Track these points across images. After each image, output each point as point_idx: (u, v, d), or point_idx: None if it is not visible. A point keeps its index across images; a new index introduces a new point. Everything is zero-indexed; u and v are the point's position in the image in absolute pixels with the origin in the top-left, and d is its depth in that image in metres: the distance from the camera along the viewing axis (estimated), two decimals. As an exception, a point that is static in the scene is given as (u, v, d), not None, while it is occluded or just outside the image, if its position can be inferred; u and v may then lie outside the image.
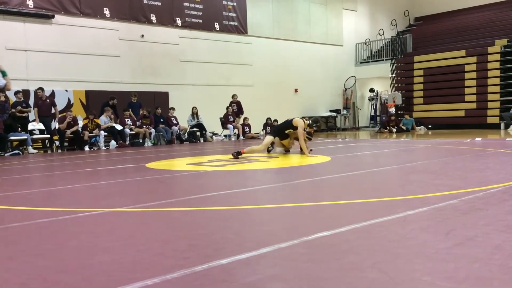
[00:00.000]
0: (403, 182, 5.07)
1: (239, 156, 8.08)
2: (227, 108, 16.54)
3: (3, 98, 11.95)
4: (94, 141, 13.19)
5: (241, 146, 12.24)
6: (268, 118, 17.37)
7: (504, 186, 4.23)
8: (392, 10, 25.58)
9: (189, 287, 1.96)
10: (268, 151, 9.01)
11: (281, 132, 8.64)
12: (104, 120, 13.36)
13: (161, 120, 14.68)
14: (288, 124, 8.63)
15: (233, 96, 16.84)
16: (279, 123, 9.34)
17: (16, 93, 12.43)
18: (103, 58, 14.99)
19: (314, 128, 8.80)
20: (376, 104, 23.50)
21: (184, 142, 14.83)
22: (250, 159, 7.95)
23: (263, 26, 19.53)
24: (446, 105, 19.42)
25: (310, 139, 8.91)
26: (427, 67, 20.35)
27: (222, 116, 16.57)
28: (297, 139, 8.56)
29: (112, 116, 13.61)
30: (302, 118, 8.93)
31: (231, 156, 8.28)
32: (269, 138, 8.65)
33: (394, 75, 21.76)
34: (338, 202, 3.84)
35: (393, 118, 18.78)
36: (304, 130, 8.49)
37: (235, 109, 16.74)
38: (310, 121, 8.78)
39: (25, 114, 12.41)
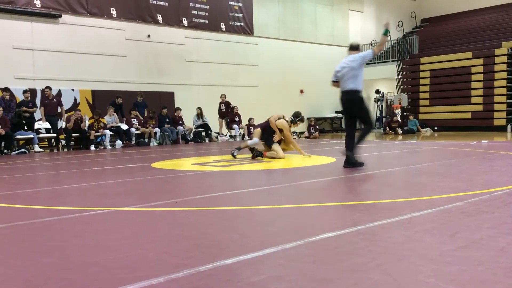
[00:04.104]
0: (408, 184, 5.05)
1: (258, 158, 8.09)
2: (233, 108, 16.54)
3: (8, 97, 12.03)
4: (100, 140, 13.25)
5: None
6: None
7: (509, 189, 4.21)
8: (399, 11, 25.50)
9: (193, 287, 1.97)
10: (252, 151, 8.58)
11: (271, 137, 8.42)
12: (108, 119, 13.42)
13: (167, 120, 14.72)
14: (270, 128, 8.34)
15: (221, 96, 16.51)
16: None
17: (24, 92, 12.51)
18: (110, 58, 15.05)
19: (298, 123, 8.54)
20: (382, 106, 23.44)
21: (189, 142, 14.86)
22: (255, 160, 7.96)
23: (269, 27, 19.53)
24: (452, 107, 19.35)
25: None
26: (434, 69, 20.28)
27: (227, 116, 16.58)
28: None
29: (115, 115, 13.67)
30: (283, 117, 8.49)
31: (240, 156, 8.40)
32: (278, 146, 8.35)
33: (400, 76, 21.69)
34: (342, 203, 3.83)
35: (395, 119, 18.74)
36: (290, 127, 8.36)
37: (223, 109, 16.43)
38: (292, 118, 8.45)
39: (27, 114, 12.46)
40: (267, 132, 8.39)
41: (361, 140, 6.33)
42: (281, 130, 8.27)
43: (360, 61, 6.26)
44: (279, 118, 8.39)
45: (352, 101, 6.28)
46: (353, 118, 6.45)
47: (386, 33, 6.41)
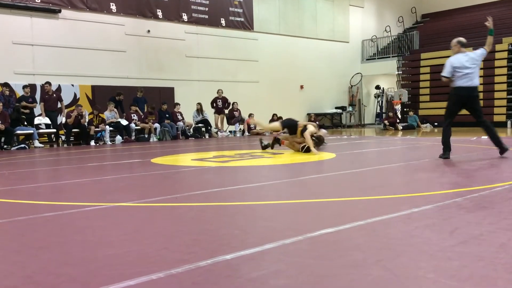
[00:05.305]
0: (408, 179, 5.05)
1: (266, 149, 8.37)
2: (232, 104, 16.51)
3: (7, 93, 12.01)
4: (100, 136, 13.25)
5: (246, 142, 12.26)
6: (274, 114, 17.34)
7: (509, 185, 4.21)
8: (399, 7, 25.45)
9: (193, 282, 1.97)
10: (261, 143, 8.93)
11: (293, 128, 8.52)
12: (108, 115, 13.40)
13: (167, 115, 14.71)
14: (296, 125, 8.52)
15: (218, 92, 16.15)
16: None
17: (23, 87, 12.49)
18: (109, 53, 15.02)
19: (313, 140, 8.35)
20: (382, 101, 23.43)
21: (189, 138, 14.86)
22: (255, 155, 7.96)
23: (270, 22, 19.48)
24: (452, 103, 19.31)
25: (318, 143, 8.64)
26: (434, 64, 20.22)
27: (227, 112, 16.57)
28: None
29: (116, 110, 13.66)
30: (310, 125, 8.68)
31: (240, 152, 8.45)
32: (277, 124, 8.51)
33: (400, 72, 21.67)
34: (342, 199, 3.84)
35: (391, 114, 18.74)
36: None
37: (220, 105, 16.14)
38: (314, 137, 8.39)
39: (27, 110, 12.44)
40: (292, 128, 8.58)
41: (496, 135, 6.72)
42: (304, 129, 8.23)
43: (480, 60, 6.69)
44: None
45: (477, 97, 6.70)
46: (458, 112, 6.76)
47: (491, 32, 6.59)
